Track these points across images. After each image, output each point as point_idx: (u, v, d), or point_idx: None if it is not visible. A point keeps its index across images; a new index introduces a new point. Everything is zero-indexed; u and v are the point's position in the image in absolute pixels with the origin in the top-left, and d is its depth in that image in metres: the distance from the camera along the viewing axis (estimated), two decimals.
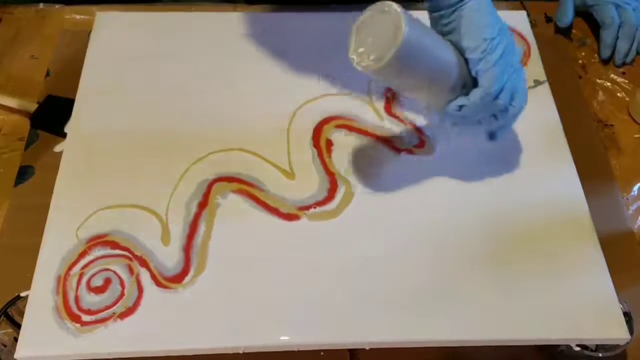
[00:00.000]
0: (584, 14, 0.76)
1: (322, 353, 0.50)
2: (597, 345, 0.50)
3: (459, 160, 0.58)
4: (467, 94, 0.50)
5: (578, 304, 0.50)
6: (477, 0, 0.50)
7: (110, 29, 0.67)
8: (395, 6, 0.45)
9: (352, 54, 0.47)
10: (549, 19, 0.76)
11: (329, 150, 0.59)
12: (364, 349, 0.50)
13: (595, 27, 0.74)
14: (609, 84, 0.71)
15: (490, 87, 0.49)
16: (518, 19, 0.71)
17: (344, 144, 0.59)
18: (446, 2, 0.51)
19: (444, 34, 0.52)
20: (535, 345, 0.52)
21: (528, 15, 0.72)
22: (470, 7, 0.50)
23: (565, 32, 0.75)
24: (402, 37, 0.43)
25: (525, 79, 0.53)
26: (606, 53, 0.72)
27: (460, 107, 0.50)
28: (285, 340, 0.48)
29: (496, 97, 0.50)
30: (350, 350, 0.51)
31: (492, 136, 0.55)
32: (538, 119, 0.62)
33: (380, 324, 0.49)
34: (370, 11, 0.47)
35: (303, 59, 0.65)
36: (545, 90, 0.64)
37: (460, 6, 0.51)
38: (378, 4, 0.46)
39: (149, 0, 0.75)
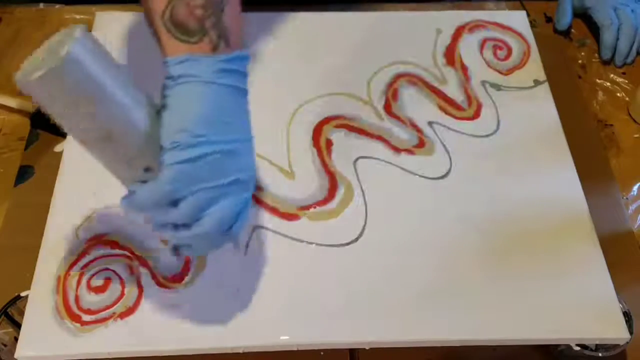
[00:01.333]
0: (583, 15, 0.76)
1: (322, 353, 0.50)
2: (597, 345, 0.50)
3: (459, 161, 0.58)
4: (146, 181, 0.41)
5: (578, 303, 0.50)
6: (207, 85, 0.40)
7: (109, 29, 0.66)
8: (80, 31, 0.38)
9: (19, 70, 0.40)
10: (548, 19, 0.76)
11: (329, 150, 0.59)
12: (364, 348, 0.50)
13: (594, 27, 0.74)
14: (608, 84, 0.71)
15: (165, 185, 0.39)
16: (518, 19, 0.71)
17: (344, 143, 0.59)
18: (167, 70, 0.41)
19: (161, 109, 0.41)
20: (535, 345, 0.52)
21: (528, 15, 0.72)
22: (190, 89, 0.40)
23: (565, 32, 0.75)
24: (66, 53, 0.36)
25: (243, 206, 0.43)
26: (607, 54, 0.72)
27: (132, 192, 0.41)
28: (285, 340, 0.48)
29: (175, 204, 0.40)
30: (350, 349, 0.51)
31: (174, 250, 0.44)
32: (538, 118, 0.62)
33: (380, 324, 0.49)
34: (59, 35, 0.39)
35: (303, 59, 0.65)
36: (545, 90, 0.64)
37: (180, 83, 0.40)
38: (70, 28, 0.39)
39: None
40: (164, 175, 0.39)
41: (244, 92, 0.43)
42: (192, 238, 0.41)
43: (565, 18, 0.74)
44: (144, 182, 0.40)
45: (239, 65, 0.43)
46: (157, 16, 0.43)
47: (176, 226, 0.41)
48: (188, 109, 0.40)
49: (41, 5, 0.74)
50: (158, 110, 0.41)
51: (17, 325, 0.49)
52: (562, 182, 0.57)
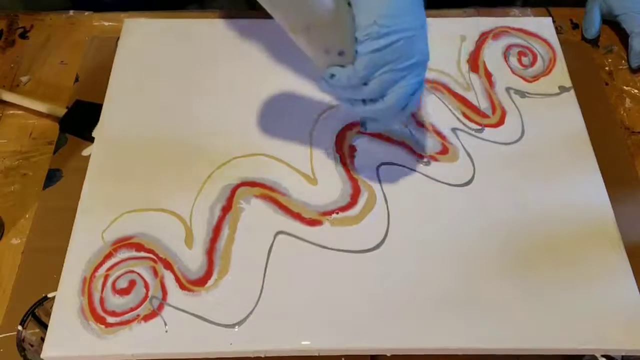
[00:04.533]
0: (610, 21, 0.75)
1: (343, 358, 0.50)
2: (622, 356, 0.49)
3: (483, 168, 0.58)
4: (343, 64, 0.48)
5: (604, 313, 0.50)
6: None
7: (137, 35, 0.68)
8: None
9: None
10: (575, 25, 0.75)
11: (352, 156, 0.59)
12: (385, 355, 0.50)
13: (622, 34, 0.73)
14: (636, 91, 0.70)
15: (360, 71, 0.48)
16: (544, 26, 0.70)
17: (367, 150, 0.59)
18: None
19: (351, 2, 0.48)
20: (559, 355, 0.51)
21: (554, 21, 0.71)
22: None
23: (593, 39, 0.74)
24: None
25: (418, 87, 0.50)
26: (636, 62, 0.71)
27: (332, 76, 0.49)
28: (306, 345, 0.48)
29: (365, 84, 0.49)
30: (371, 356, 0.51)
31: (362, 125, 0.57)
32: (563, 125, 0.61)
33: (401, 331, 0.49)
34: None
35: None
36: (570, 97, 0.64)
37: None
38: None
39: (176, 8, 0.76)
40: (359, 62, 0.47)
41: None
42: (377, 112, 0.50)
43: (593, 27, 0.73)
44: (340, 65, 0.48)
45: None
46: None
47: (364, 102, 0.50)
48: (375, 4, 0.47)
49: (71, 12, 0.76)
50: (349, 2, 0.48)
51: (44, 326, 0.50)
52: (588, 190, 0.57)
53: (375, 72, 0.48)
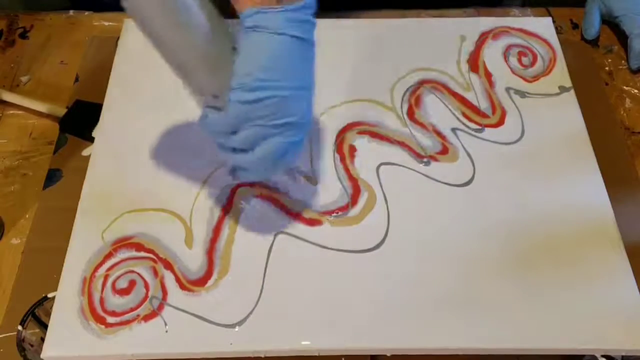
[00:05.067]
0: (611, 22, 0.75)
1: (343, 358, 0.50)
2: (622, 356, 0.49)
3: (483, 168, 0.58)
4: (219, 108, 0.47)
5: (604, 313, 0.50)
6: (273, 36, 0.45)
7: (137, 35, 0.67)
8: None
9: None
10: (575, 25, 0.75)
11: (352, 156, 0.59)
12: (385, 355, 0.50)
13: (622, 34, 0.73)
14: (636, 91, 0.70)
15: (229, 119, 0.46)
16: (543, 25, 0.70)
17: (367, 150, 0.59)
18: (242, 22, 0.46)
19: (237, 52, 0.47)
20: (559, 355, 0.51)
21: (554, 21, 0.71)
22: (258, 39, 0.45)
23: (592, 40, 0.74)
24: None
25: (291, 148, 0.47)
26: (636, 63, 0.71)
27: (206, 116, 0.47)
28: (306, 345, 0.48)
29: (235, 133, 0.47)
30: (371, 356, 0.51)
31: (231, 172, 0.53)
32: (563, 126, 0.61)
33: (401, 331, 0.49)
34: None
35: (326, 65, 0.65)
36: (570, 97, 0.64)
37: (251, 33, 0.45)
38: None
39: None
40: (229, 109, 0.46)
41: (308, 42, 0.47)
42: (245, 163, 0.48)
43: (593, 28, 0.73)
44: (216, 108, 0.47)
45: (305, 14, 0.46)
46: None
47: (235, 150, 0.48)
48: (255, 56, 0.46)
49: (71, 12, 0.76)
50: (235, 48, 0.47)
51: (44, 326, 0.50)
52: (588, 190, 0.57)
53: (244, 123, 0.46)
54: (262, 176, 0.55)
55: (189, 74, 0.47)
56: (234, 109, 0.46)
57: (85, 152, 0.62)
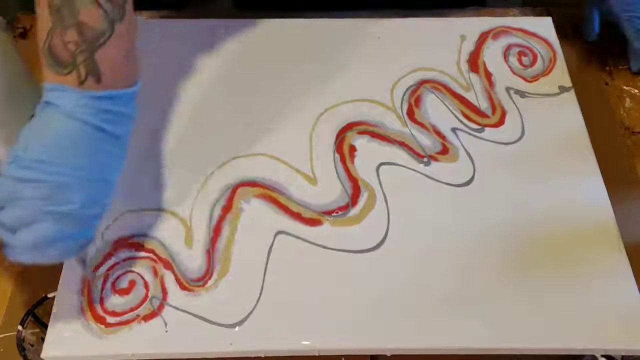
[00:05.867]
0: (611, 22, 0.75)
1: (343, 358, 0.50)
2: (622, 356, 0.49)
3: (483, 168, 0.58)
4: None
5: (604, 313, 0.50)
6: (65, 117, 0.43)
7: (139, 35, 0.67)
8: None
9: None
10: (575, 25, 0.75)
11: (352, 156, 0.59)
12: (385, 355, 0.50)
13: (622, 34, 0.73)
14: (636, 91, 0.70)
15: None
16: (544, 25, 0.70)
17: (367, 150, 0.59)
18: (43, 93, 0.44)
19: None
20: (558, 355, 0.51)
21: (554, 21, 0.71)
22: (50, 116, 0.43)
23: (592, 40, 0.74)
24: None
25: (61, 239, 0.44)
26: (637, 66, 0.71)
27: None
28: (306, 345, 0.48)
29: (2, 207, 0.43)
30: (371, 356, 0.51)
31: (5, 247, 0.47)
32: (563, 125, 0.61)
33: (401, 331, 0.49)
34: None
35: (326, 65, 0.66)
36: (570, 97, 0.64)
37: (46, 108, 0.43)
38: None
39: (176, 8, 0.76)
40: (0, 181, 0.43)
41: (110, 134, 0.45)
42: (12, 241, 0.44)
43: (593, 28, 0.73)
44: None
45: (113, 104, 0.45)
46: (40, 44, 0.45)
47: (4, 225, 0.44)
48: (40, 133, 0.43)
49: None
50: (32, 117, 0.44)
51: (44, 326, 0.50)
52: (588, 190, 0.57)
53: (10, 200, 0.43)
54: (30, 259, 0.45)
55: None
56: (2, 182, 0.43)
57: None
